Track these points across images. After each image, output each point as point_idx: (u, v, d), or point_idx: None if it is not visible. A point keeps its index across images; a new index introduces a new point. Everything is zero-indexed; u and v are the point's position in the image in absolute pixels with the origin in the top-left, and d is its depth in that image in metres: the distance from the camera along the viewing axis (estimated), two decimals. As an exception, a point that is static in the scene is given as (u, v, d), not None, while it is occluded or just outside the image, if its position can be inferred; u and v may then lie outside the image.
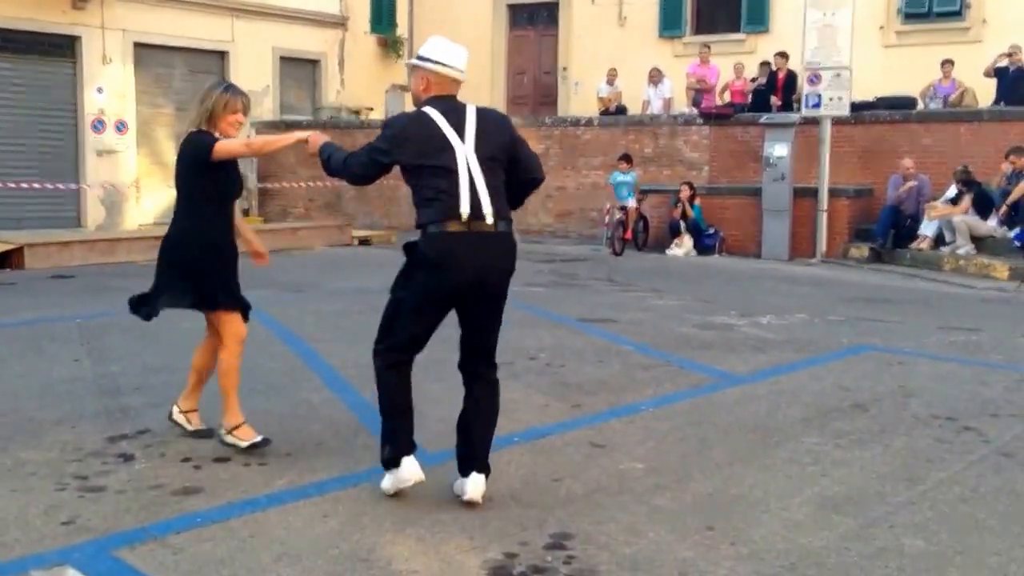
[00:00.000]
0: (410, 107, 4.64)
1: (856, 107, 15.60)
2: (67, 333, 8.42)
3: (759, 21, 19.74)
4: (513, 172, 4.46)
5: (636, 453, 5.24)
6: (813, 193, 15.11)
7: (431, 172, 4.25)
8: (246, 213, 19.95)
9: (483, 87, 20.78)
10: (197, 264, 5.02)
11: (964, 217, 14.11)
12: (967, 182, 14.23)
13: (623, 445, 5.38)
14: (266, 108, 20.54)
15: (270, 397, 6.27)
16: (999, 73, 16.00)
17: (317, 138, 4.73)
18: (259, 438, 5.07)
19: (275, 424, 5.61)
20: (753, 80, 17.77)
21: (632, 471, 4.95)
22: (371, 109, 20.57)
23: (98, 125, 17.90)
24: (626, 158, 16.26)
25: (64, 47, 17.64)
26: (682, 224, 15.81)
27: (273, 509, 4.33)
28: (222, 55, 19.82)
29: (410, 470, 4.41)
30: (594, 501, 4.51)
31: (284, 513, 4.28)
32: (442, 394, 5.77)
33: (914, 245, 14.57)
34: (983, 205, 14.17)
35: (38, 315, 9.35)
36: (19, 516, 4.21)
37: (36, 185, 15.92)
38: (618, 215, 15.83)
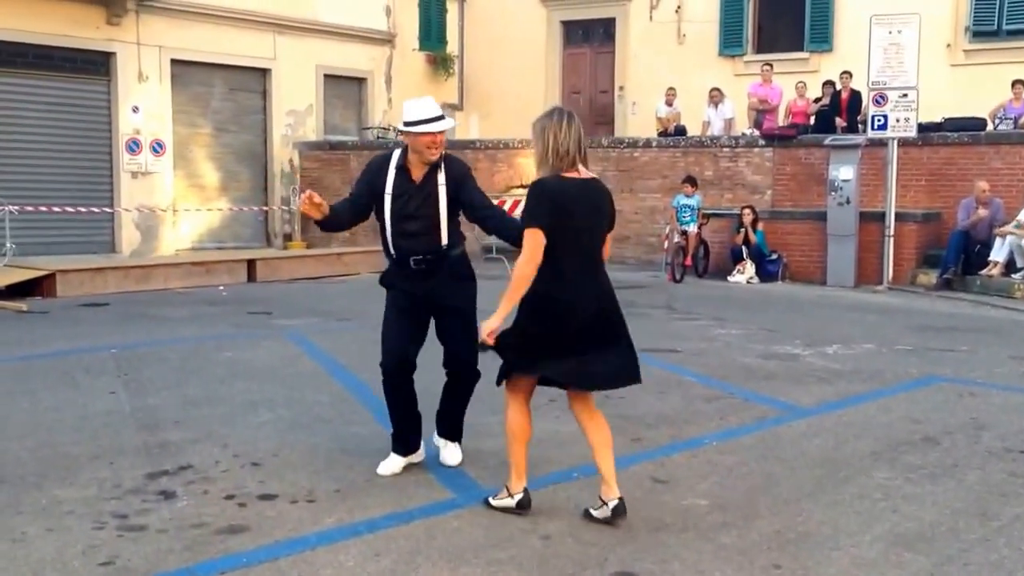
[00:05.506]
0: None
1: (923, 128, 15.30)
2: (102, 364, 8.26)
3: (823, 39, 19.47)
4: None
5: (700, 489, 5.12)
6: (880, 217, 14.81)
7: None
8: (289, 238, 19.47)
9: (536, 107, 20.55)
10: None
11: (1035, 241, 13.74)
12: (1040, 204, 13.87)
13: (686, 480, 5.27)
14: (310, 128, 20.03)
15: (316, 431, 6.17)
16: (1072, 93, 15.60)
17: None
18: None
19: (322, 459, 5.55)
20: (817, 100, 17.47)
21: (696, 507, 4.84)
22: (420, 129, 20.43)
23: (133, 146, 17.29)
24: (691, 181, 15.94)
25: (98, 64, 16.93)
26: (744, 249, 15.56)
27: (323, 548, 4.24)
28: (264, 72, 19.24)
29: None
30: (657, 539, 4.41)
31: (334, 552, 4.20)
32: (498, 427, 5.67)
33: (984, 271, 14.20)
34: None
35: (71, 345, 9.19)
36: (56, 557, 4.12)
37: (69, 209, 15.51)
38: (677, 240, 15.62)
